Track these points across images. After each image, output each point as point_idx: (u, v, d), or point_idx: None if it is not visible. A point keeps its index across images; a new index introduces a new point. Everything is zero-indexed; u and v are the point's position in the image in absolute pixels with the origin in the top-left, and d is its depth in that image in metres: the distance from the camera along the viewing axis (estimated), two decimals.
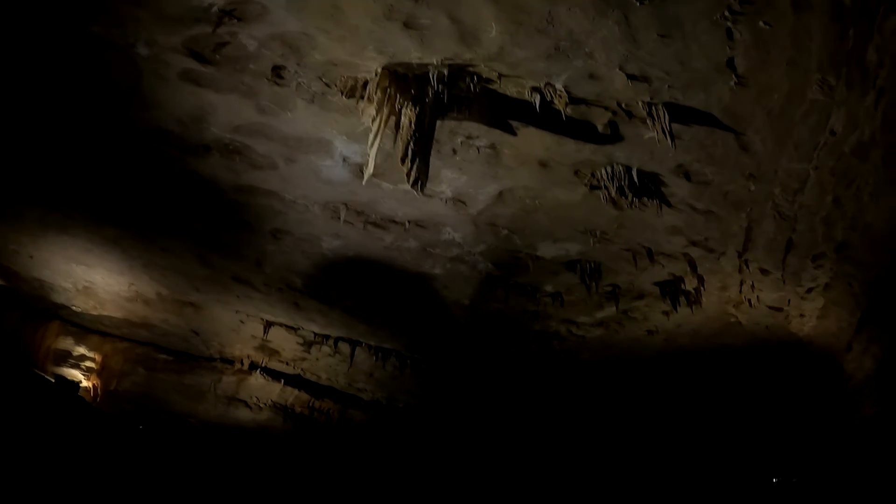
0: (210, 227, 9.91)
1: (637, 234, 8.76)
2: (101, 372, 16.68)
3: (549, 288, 10.59)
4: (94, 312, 14.68)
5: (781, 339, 10.93)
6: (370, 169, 6.61)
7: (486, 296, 11.03)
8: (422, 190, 6.39)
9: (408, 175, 6.28)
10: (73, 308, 14.67)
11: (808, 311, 9.70)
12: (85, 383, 16.79)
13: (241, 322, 13.61)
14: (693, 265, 9.27)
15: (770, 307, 10.00)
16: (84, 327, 16.07)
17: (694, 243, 8.78)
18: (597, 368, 13.22)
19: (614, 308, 10.84)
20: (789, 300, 9.62)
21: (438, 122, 6.63)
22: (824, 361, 10.79)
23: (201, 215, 9.57)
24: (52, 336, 16.23)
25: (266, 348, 14.62)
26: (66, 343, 16.23)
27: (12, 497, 9.16)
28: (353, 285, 11.25)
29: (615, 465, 15.34)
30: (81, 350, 16.38)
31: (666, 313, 10.86)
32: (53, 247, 11.65)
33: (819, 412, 12.14)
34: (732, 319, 10.80)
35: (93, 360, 16.48)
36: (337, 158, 7.83)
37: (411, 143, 6.24)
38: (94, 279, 12.83)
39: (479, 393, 14.81)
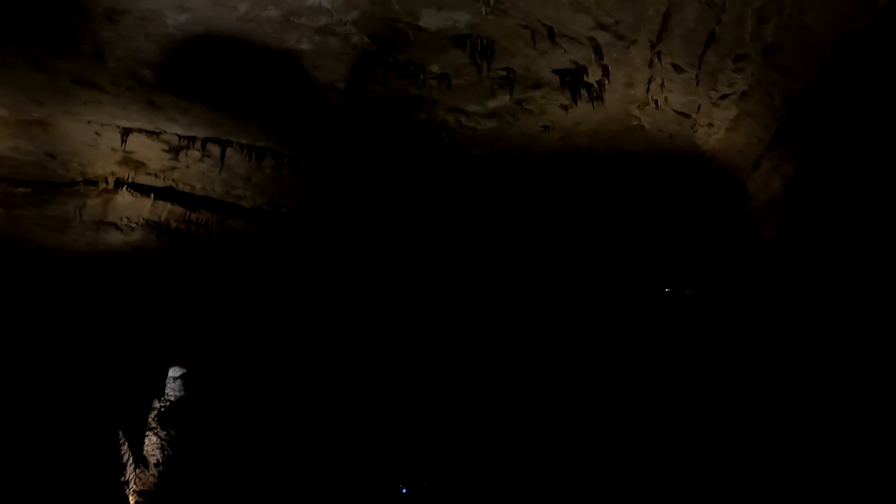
0: (33, 18, 8.23)
1: (538, 7, 7.38)
2: None
3: (434, 68, 9.20)
4: None
5: (684, 150, 10.15)
6: None
7: (364, 76, 9.57)
8: None
9: None
10: None
11: (717, 120, 8.77)
12: None
13: (97, 134, 11.95)
14: (599, 52, 8.06)
15: (677, 112, 9.04)
16: None
17: (602, 26, 7.52)
18: (488, 165, 12.23)
19: (508, 97, 9.64)
20: (699, 106, 8.65)
21: None
22: (726, 179, 10.14)
23: (20, 4, 7.89)
24: None
25: (130, 161, 13.03)
26: None
27: None
28: (210, 72, 9.65)
29: (504, 270, 14.88)
30: None
31: (564, 107, 9.80)
32: None
33: (715, 230, 11.81)
34: (635, 122, 9.87)
35: None
36: None
37: None
38: None
39: (365, 194, 13.69)
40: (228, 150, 12.41)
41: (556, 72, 8.86)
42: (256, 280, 14.61)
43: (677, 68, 7.89)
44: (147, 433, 9.97)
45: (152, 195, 14.17)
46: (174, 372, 10.21)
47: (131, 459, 10.32)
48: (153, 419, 9.98)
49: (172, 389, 10.19)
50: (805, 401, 7.33)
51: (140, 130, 11.95)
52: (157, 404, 10.12)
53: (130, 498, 9.79)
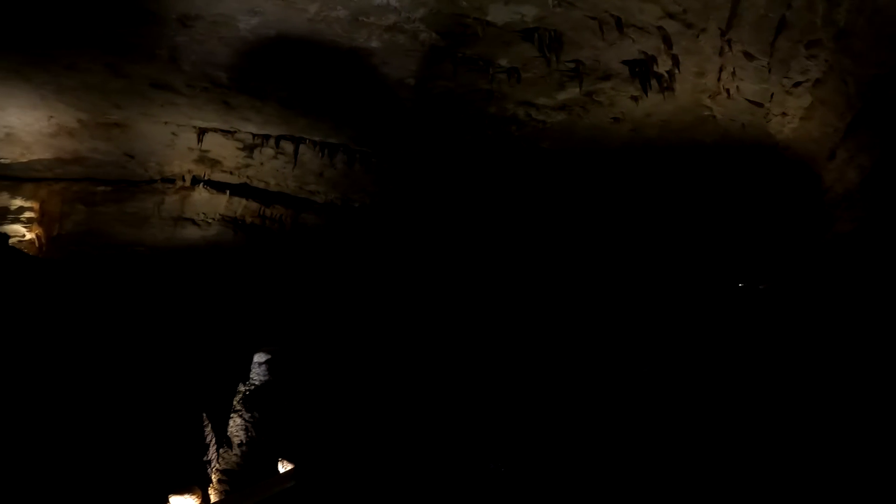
0: (110, 27, 8.65)
1: None
2: (42, 219, 16.04)
3: (503, 62, 9.30)
4: (24, 159, 13.87)
5: (757, 140, 9.95)
6: None
7: (433, 72, 9.72)
8: None
9: None
10: (2, 161, 13.85)
11: (791, 108, 8.57)
12: (29, 235, 16.10)
13: (174, 134, 12.54)
14: (668, 42, 8.03)
15: (749, 101, 8.89)
16: (16, 178, 15.17)
17: (671, 15, 7.49)
18: (558, 159, 12.21)
19: (577, 89, 9.67)
20: (772, 94, 8.48)
21: None
22: (800, 170, 9.87)
23: (97, 13, 8.28)
24: None
25: (206, 159, 13.61)
26: (2, 199, 15.55)
27: None
28: (282, 72, 9.97)
29: (577, 265, 14.81)
30: (18, 202, 15.69)
31: (635, 98, 9.76)
32: None
33: (789, 223, 11.49)
34: (707, 112, 9.76)
35: (31, 209, 15.85)
36: None
37: None
38: (10, 122, 11.97)
39: (436, 188, 13.85)
40: (301, 147, 12.77)
41: (625, 63, 8.85)
42: (331, 271, 14.94)
43: (748, 56, 7.77)
44: (232, 415, 10.38)
45: (228, 192, 14.74)
46: (259, 357, 10.61)
47: (214, 440, 10.76)
48: (238, 402, 10.39)
49: (257, 374, 10.58)
50: (883, 403, 7.11)
51: (215, 130, 12.45)
52: (241, 388, 10.53)
53: (213, 476, 10.20)
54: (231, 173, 14.00)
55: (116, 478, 9.63)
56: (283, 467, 9.53)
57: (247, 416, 10.14)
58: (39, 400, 9.66)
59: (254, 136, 12.59)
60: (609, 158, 11.95)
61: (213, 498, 9.97)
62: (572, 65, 9.08)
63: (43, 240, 16.18)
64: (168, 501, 9.41)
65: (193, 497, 9.46)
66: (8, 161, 13.85)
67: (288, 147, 12.81)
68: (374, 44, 9.03)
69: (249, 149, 12.92)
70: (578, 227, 14.47)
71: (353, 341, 11.97)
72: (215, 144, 12.89)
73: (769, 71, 7.89)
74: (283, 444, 10.12)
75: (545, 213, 14.33)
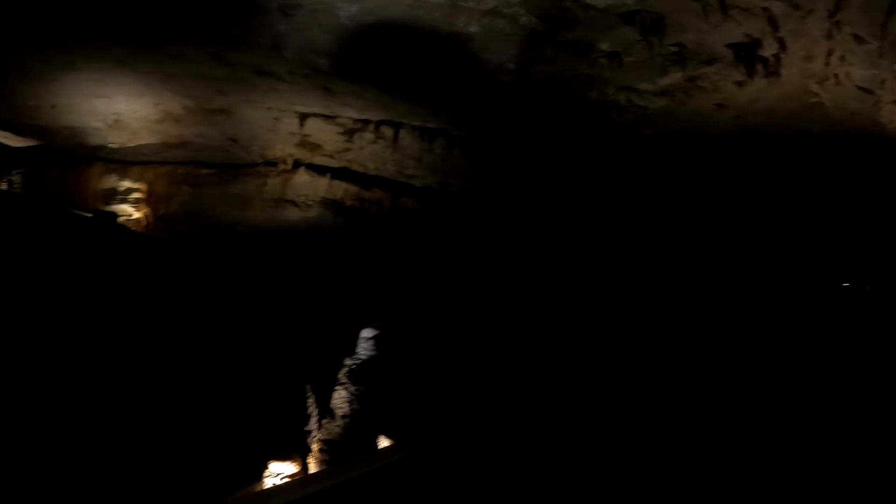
0: (214, 18, 9.11)
1: None
2: (149, 200, 16.96)
3: (604, 46, 9.27)
4: (131, 144, 14.68)
5: (867, 129, 9.55)
6: None
7: (533, 57, 9.75)
8: None
9: None
10: (110, 146, 14.69)
11: None
12: (136, 215, 17.13)
13: (276, 119, 13.05)
14: (774, 24, 7.86)
15: (859, 87, 8.55)
16: (124, 161, 16.15)
17: None
18: (659, 146, 12.05)
19: (680, 73, 9.52)
20: (883, 81, 8.16)
21: None
22: None
23: (201, 6, 8.80)
24: (96, 177, 16.58)
25: (307, 143, 14.07)
26: (111, 181, 16.53)
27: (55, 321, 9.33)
28: (383, 58, 10.20)
29: (677, 254, 14.57)
30: (126, 184, 16.63)
31: (739, 83, 9.49)
32: (69, 88, 11.51)
33: None
34: (814, 99, 9.42)
35: (138, 190, 16.76)
36: None
37: None
38: (119, 109, 12.67)
39: (534, 174, 13.89)
40: (401, 132, 13.05)
41: (729, 46, 8.68)
42: (433, 253, 15.20)
43: (858, 39, 7.53)
44: (336, 388, 10.84)
45: (328, 175, 15.20)
46: (367, 333, 11.06)
47: (316, 411, 11.25)
48: (344, 375, 10.86)
49: (364, 349, 11.02)
50: None
51: (316, 115, 12.88)
52: (348, 362, 11.00)
53: (314, 445, 10.65)
54: (331, 157, 14.42)
55: (223, 444, 10.23)
56: (384, 443, 9.88)
57: (352, 388, 10.57)
58: (151, 369, 10.36)
59: (354, 120, 12.95)
60: (710, 147, 11.71)
61: (312, 467, 10.43)
62: (675, 48, 8.98)
63: (150, 219, 17.09)
64: (268, 467, 9.96)
65: (293, 464, 9.97)
66: (116, 146, 14.72)
67: (387, 132, 13.10)
68: (474, 28, 9.17)
69: (349, 133, 13.28)
70: (679, 219, 14.23)
71: (456, 322, 12.20)
72: (316, 129, 13.33)
73: (880, 55, 7.61)
74: (384, 418, 10.47)
75: (645, 204, 14.17)
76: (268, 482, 9.89)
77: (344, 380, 10.89)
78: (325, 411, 11.07)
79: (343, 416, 10.61)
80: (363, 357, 11.04)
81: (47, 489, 7.42)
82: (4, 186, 17.02)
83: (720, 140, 11.35)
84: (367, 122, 12.98)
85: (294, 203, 15.54)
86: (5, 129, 14.37)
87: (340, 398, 10.75)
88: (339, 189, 15.30)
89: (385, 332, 11.20)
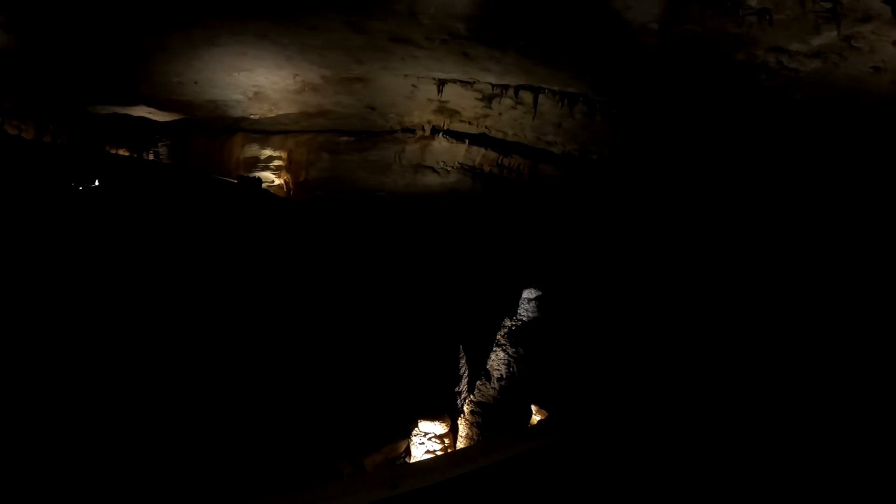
0: None
1: None
2: (290, 167, 17.79)
3: (753, 2, 8.65)
4: (272, 115, 15.24)
5: None
6: None
7: (678, 15, 9.24)
8: None
9: None
10: (252, 117, 15.32)
11: None
12: (277, 181, 17.94)
13: (414, 87, 13.10)
14: None
15: None
16: (265, 131, 17.03)
17: None
18: (809, 113, 11.23)
19: (834, 33, 8.75)
20: None
21: None
22: None
23: None
24: (239, 147, 17.78)
25: (445, 110, 14.13)
26: (253, 150, 17.64)
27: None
28: (521, 19, 9.91)
29: (821, 232, 13.57)
30: (267, 152, 17.72)
31: None
32: (210, 63, 11.89)
33: None
34: None
35: (279, 158, 17.84)
36: None
37: None
38: (259, 82, 13.04)
39: (677, 142, 13.31)
40: (540, 97, 12.81)
41: (886, 2, 7.86)
42: (579, 220, 14.96)
43: None
44: (494, 349, 10.76)
45: (467, 141, 15.30)
46: (529, 294, 10.86)
47: (467, 373, 11.33)
48: (503, 336, 10.74)
49: (525, 310, 10.85)
50: None
51: (454, 81, 12.80)
52: (507, 322, 10.88)
53: (466, 407, 10.69)
54: (469, 123, 14.41)
55: (375, 400, 10.55)
56: (537, 412, 9.70)
57: (510, 350, 10.40)
58: (307, 326, 10.76)
59: (492, 86, 12.80)
60: (864, 114, 10.79)
61: (462, 429, 10.48)
62: (828, 5, 8.24)
63: (291, 185, 17.83)
64: (418, 425, 10.13)
65: (442, 424, 10.09)
66: (257, 116, 15.30)
67: (526, 97, 12.92)
68: None
69: (488, 99, 13.18)
70: (827, 192, 13.23)
71: (613, 292, 11.79)
72: (454, 95, 13.31)
73: None
74: (542, 385, 10.26)
75: (792, 175, 13.27)
76: (415, 440, 10.07)
77: (503, 341, 10.70)
78: (476, 373, 11.03)
79: (499, 379, 10.49)
80: (524, 318, 10.82)
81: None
82: (152, 158, 18.16)
83: (875, 108, 10.43)
84: (505, 87, 12.81)
85: (433, 169, 15.83)
86: (150, 105, 15.20)
87: (498, 360, 10.60)
88: (478, 155, 15.41)
89: (549, 292, 10.90)
